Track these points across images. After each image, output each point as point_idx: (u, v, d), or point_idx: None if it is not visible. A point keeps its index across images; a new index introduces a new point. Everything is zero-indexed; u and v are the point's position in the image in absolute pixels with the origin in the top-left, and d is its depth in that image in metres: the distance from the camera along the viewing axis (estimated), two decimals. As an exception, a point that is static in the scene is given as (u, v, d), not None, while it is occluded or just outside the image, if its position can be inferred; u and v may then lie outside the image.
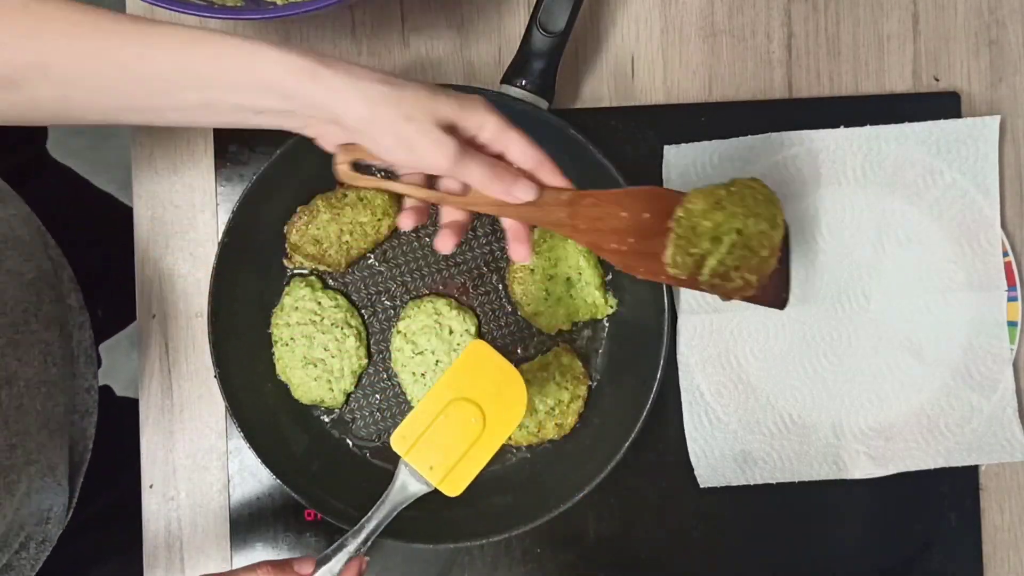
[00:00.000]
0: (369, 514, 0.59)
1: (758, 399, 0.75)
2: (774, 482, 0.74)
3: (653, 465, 0.75)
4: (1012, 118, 0.77)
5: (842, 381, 0.75)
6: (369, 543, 0.59)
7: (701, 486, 0.74)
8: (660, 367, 0.69)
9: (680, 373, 0.74)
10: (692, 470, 0.75)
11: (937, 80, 0.77)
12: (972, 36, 0.77)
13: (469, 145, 0.55)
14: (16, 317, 0.67)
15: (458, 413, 0.59)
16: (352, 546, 0.58)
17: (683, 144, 0.73)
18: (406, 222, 0.59)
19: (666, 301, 0.69)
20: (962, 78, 0.77)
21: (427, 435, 0.59)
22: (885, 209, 0.74)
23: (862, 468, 0.74)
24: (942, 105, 0.76)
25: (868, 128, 0.74)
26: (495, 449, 0.60)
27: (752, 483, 0.74)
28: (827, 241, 0.75)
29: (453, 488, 0.59)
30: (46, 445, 0.68)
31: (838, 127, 0.74)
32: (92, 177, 1.07)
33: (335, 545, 0.58)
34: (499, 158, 0.56)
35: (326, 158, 0.71)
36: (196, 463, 0.76)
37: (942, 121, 0.74)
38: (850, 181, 0.74)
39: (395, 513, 0.59)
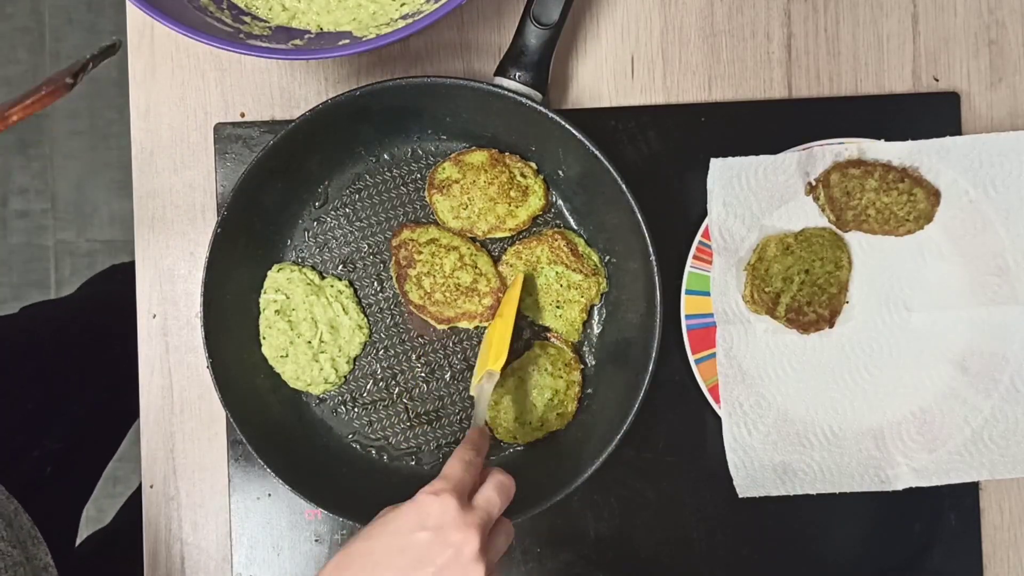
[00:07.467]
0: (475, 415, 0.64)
1: (797, 411, 0.74)
2: (814, 493, 0.74)
3: (653, 465, 0.75)
4: (1012, 118, 0.77)
5: (883, 394, 0.74)
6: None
7: (740, 496, 0.74)
8: (655, 342, 0.68)
9: (720, 384, 0.73)
10: (693, 470, 0.75)
11: (937, 80, 0.77)
12: (972, 36, 0.77)
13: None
14: None
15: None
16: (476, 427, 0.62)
17: (729, 157, 0.72)
18: None
19: (657, 280, 0.68)
20: (962, 78, 0.77)
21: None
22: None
23: (904, 480, 0.73)
24: (942, 105, 0.76)
25: (910, 143, 0.72)
26: (510, 325, 0.69)
27: (792, 494, 0.74)
28: (867, 252, 0.74)
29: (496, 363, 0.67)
30: None
31: (879, 139, 0.72)
32: (92, 177, 1.05)
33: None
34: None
35: (322, 148, 0.72)
36: (196, 463, 0.76)
37: (983, 135, 0.72)
38: None
39: (486, 409, 0.65)
